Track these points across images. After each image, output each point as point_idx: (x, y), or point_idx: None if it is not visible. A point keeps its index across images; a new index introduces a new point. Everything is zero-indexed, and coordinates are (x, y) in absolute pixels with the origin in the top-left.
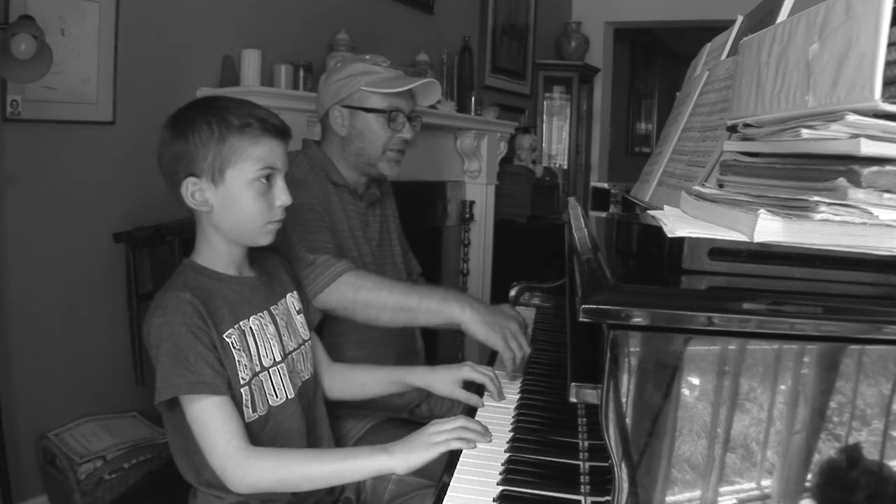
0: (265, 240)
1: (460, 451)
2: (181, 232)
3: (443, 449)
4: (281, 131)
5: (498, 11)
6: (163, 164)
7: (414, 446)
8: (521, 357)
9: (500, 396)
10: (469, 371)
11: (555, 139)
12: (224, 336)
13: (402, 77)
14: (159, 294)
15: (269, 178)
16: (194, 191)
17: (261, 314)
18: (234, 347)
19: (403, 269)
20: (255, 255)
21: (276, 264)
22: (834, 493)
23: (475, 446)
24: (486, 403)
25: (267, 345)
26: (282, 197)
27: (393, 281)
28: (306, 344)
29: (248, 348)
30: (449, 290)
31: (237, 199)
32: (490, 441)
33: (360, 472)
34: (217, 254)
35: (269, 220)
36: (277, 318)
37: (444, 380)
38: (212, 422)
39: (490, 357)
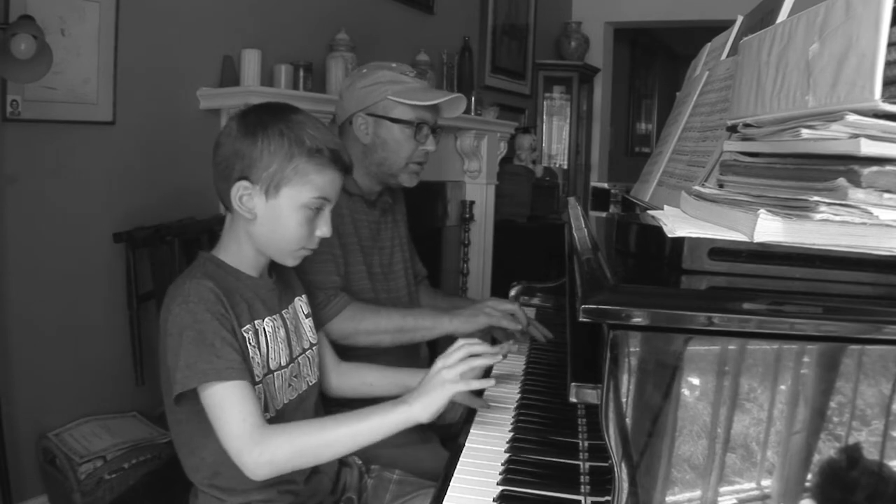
0: (292, 262)
1: (461, 449)
2: (181, 232)
3: (461, 387)
4: (346, 167)
5: (498, 11)
6: (220, 154)
7: (429, 390)
8: (514, 313)
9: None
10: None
11: (555, 139)
12: (242, 331)
13: (429, 89)
14: (177, 283)
15: (319, 207)
16: (243, 195)
17: (274, 317)
18: (250, 344)
19: (411, 274)
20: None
21: (288, 267)
22: (834, 493)
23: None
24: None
25: (276, 348)
26: (323, 228)
27: (388, 308)
28: (313, 348)
29: (260, 348)
30: (436, 308)
31: (283, 218)
32: (501, 359)
33: (381, 428)
34: (243, 256)
35: (304, 247)
36: (287, 321)
37: None
38: (229, 402)
39: (491, 342)
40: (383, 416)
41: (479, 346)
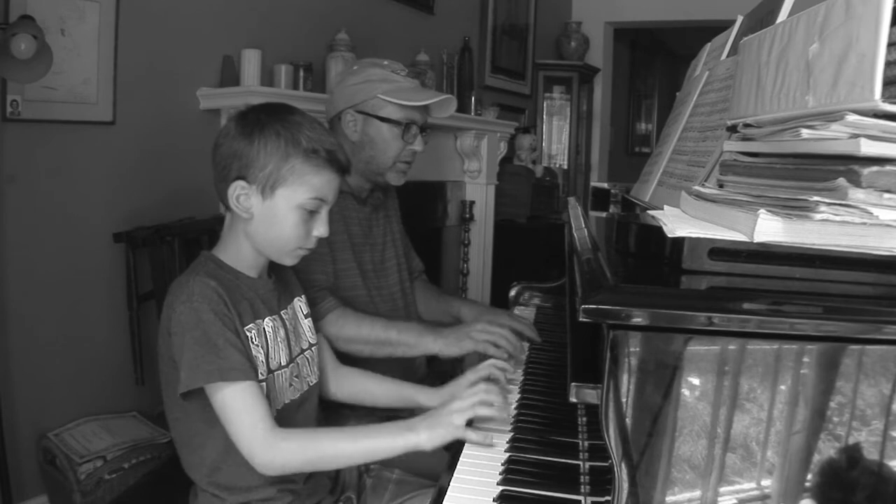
0: (290, 262)
1: (461, 449)
2: (181, 232)
3: (460, 434)
4: (343, 168)
5: (498, 11)
6: (218, 154)
7: (437, 425)
8: (504, 338)
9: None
10: (471, 375)
11: (555, 139)
12: (245, 330)
13: (420, 89)
14: (180, 281)
15: (315, 208)
16: (240, 195)
17: (274, 317)
18: (253, 343)
19: (406, 269)
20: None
21: (286, 268)
22: (834, 493)
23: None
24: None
25: (277, 348)
26: (321, 228)
27: (373, 318)
28: (313, 348)
29: (262, 348)
30: (425, 324)
31: (280, 218)
32: (507, 415)
33: (388, 450)
34: (243, 256)
35: (301, 246)
36: (287, 322)
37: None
38: (239, 405)
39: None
40: (393, 438)
41: (494, 397)
